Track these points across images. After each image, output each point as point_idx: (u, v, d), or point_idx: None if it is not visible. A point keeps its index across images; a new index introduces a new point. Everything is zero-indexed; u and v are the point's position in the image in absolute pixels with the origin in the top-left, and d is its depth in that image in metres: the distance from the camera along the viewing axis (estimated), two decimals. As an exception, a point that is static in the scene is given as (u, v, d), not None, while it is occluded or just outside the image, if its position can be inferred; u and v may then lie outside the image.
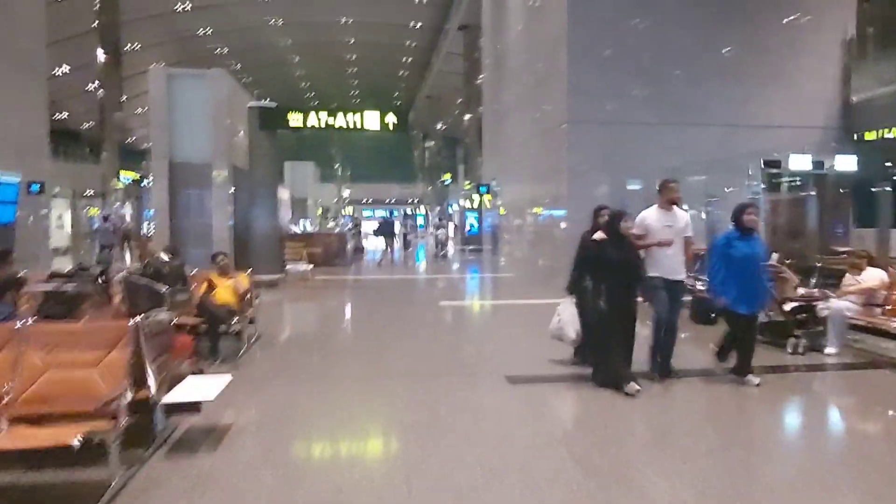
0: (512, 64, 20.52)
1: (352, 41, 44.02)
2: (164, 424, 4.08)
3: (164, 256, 5.53)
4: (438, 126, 53.11)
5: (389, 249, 21.31)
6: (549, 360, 6.53)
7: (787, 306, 7.19)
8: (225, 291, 6.19)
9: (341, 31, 41.89)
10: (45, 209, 12.52)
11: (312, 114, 12.19)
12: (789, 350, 6.98)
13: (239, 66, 44.65)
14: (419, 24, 39.84)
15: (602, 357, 5.57)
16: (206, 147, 11.98)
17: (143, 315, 3.77)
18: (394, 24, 40.91)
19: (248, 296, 6.51)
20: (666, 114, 14.93)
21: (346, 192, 41.18)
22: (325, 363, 6.45)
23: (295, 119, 12.08)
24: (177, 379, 4.08)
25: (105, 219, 18.78)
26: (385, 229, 21.89)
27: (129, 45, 33.68)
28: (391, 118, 12.43)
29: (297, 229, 21.75)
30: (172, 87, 12.13)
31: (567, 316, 6.13)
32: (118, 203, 25.74)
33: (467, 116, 35.82)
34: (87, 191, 33.98)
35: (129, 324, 3.67)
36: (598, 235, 5.68)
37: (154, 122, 12.22)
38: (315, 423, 4.75)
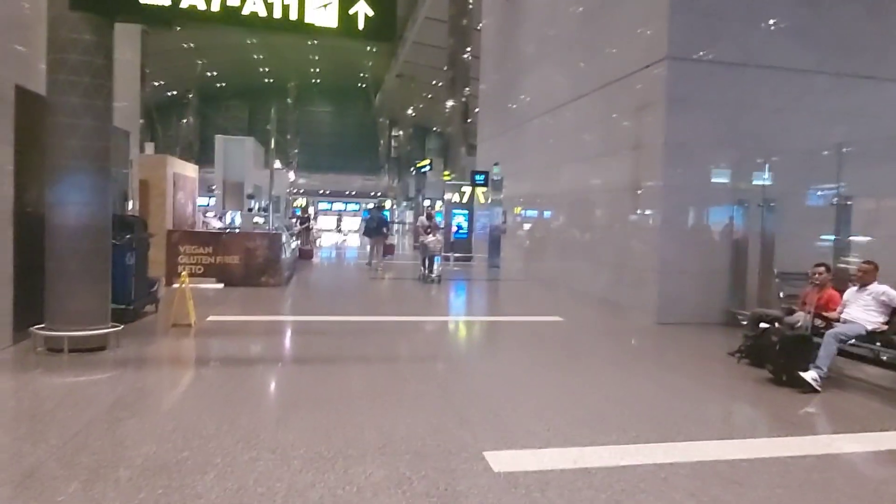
0: (538, -2, 14.20)
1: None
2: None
3: None
4: (410, 111, 46.43)
5: (377, 253, 15.28)
6: None
7: None
8: None
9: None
10: None
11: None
12: None
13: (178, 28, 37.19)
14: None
15: None
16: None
17: None
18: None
19: None
20: (828, 57, 8.91)
21: (291, 177, 34.00)
22: None
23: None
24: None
25: None
26: (372, 226, 15.44)
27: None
28: (363, 7, 6.01)
29: (217, 224, 14.98)
30: None
31: None
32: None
33: (449, 102, 29.04)
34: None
35: None
36: None
37: None
38: None
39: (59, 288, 5.46)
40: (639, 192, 9.24)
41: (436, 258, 12.11)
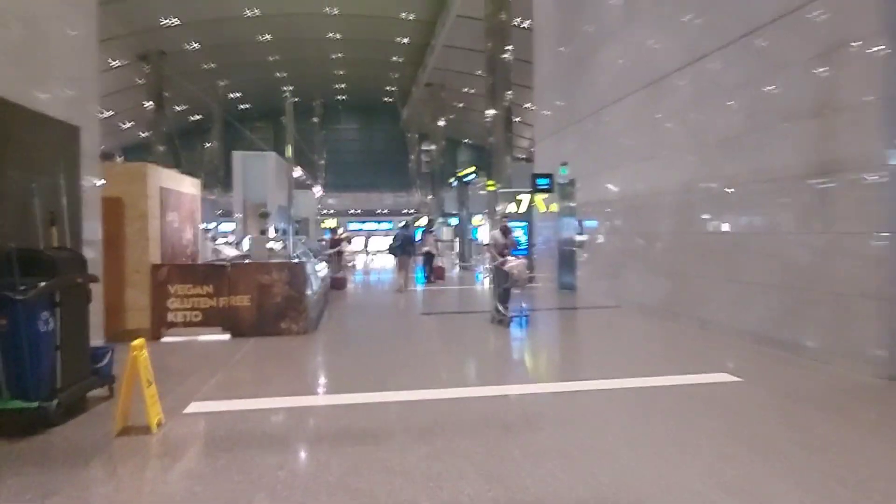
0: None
1: (335, 11, 34.79)
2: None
3: None
4: (441, 122, 43.50)
5: (404, 276, 14.81)
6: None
7: None
8: None
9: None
10: None
11: None
12: None
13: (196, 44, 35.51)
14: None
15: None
16: None
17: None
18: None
19: None
20: None
21: (317, 192, 31.31)
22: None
23: None
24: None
25: None
26: (397, 245, 15.12)
27: None
28: None
29: (229, 252, 12.29)
30: None
31: None
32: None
33: (490, 110, 25.69)
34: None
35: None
36: None
37: None
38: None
39: None
40: (829, 178, 6.15)
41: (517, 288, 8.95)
